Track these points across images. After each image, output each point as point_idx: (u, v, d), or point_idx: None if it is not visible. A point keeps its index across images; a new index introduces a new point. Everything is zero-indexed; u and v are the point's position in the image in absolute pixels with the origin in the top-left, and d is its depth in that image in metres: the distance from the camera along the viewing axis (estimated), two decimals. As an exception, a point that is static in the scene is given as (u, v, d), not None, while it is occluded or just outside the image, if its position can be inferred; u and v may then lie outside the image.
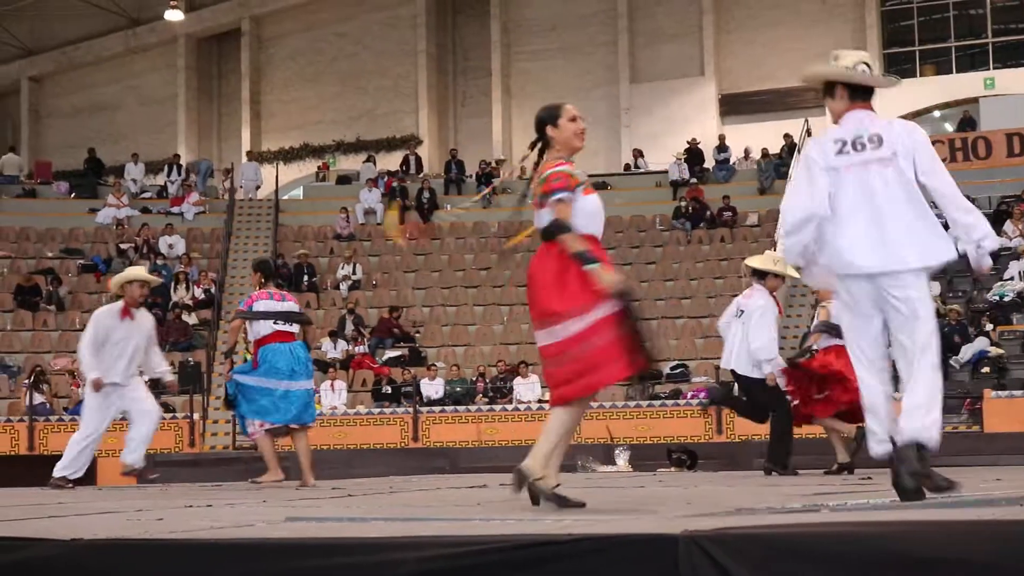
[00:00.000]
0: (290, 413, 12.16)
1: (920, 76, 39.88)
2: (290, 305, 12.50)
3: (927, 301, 6.50)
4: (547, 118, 7.37)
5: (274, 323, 12.28)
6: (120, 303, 13.00)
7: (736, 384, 13.87)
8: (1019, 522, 4.27)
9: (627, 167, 38.22)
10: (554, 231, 6.91)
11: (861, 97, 6.79)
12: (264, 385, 12.15)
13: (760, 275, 13.08)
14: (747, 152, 36.33)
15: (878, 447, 6.52)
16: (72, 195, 37.04)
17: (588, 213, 6.97)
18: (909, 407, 6.34)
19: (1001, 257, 28.80)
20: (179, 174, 37.10)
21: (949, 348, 25.49)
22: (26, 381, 26.76)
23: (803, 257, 6.77)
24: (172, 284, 31.34)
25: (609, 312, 6.52)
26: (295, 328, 12.43)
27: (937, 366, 6.48)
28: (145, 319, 13.26)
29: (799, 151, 33.92)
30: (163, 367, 13.66)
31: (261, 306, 12.34)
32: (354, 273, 32.31)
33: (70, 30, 46.29)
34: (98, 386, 12.71)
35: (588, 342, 6.47)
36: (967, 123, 36.46)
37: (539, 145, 7.41)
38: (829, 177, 6.60)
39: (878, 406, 6.58)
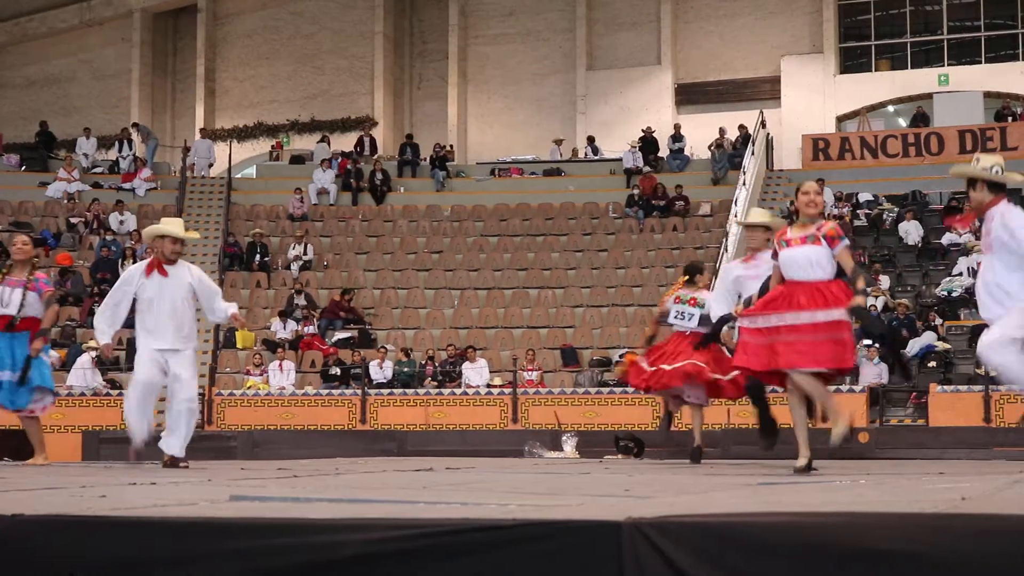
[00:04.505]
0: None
1: (875, 71, 40.12)
2: None
3: None
4: (797, 192, 10.09)
5: None
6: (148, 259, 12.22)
7: None
8: (950, 515, 4.31)
9: (584, 153, 38.27)
10: None
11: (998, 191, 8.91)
12: None
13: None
14: (721, 133, 35.71)
15: None
16: (23, 168, 36.74)
17: (784, 265, 9.67)
18: None
19: (950, 253, 29.07)
20: (131, 149, 36.87)
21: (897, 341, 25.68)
22: None
23: None
24: (121, 260, 31.15)
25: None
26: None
27: None
28: (183, 275, 12.00)
29: (753, 142, 34.09)
30: (222, 310, 12.23)
31: None
32: (305, 253, 32.21)
33: (24, 1, 45.86)
34: (106, 354, 12.39)
35: None
36: (920, 119, 36.72)
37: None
38: None
39: None
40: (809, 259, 9.52)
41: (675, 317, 13.44)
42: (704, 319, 12.98)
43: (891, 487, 7.21)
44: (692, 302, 13.28)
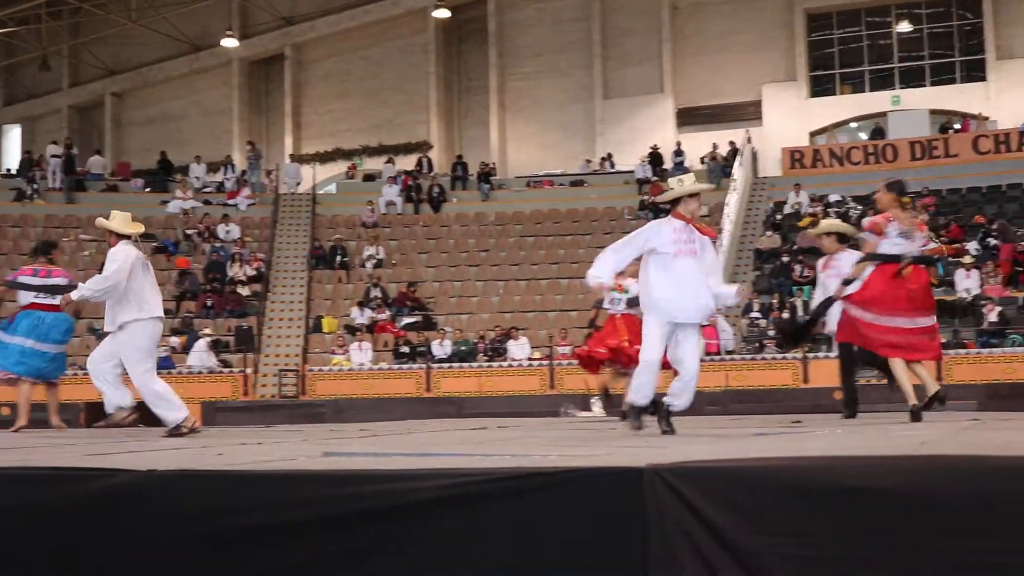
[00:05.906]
0: (35, 369, 11.66)
1: (839, 94, 39.83)
2: (55, 280, 11.79)
3: None
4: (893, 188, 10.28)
5: (34, 296, 11.71)
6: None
7: None
8: (912, 457, 4.29)
9: (600, 165, 38.20)
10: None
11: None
12: (16, 342, 11.58)
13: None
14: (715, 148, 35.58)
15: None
16: (147, 190, 36.95)
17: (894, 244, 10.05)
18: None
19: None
20: (234, 173, 37.06)
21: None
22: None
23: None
24: (228, 262, 31.31)
25: None
26: (56, 299, 11.38)
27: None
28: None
29: (741, 154, 33.93)
30: None
31: (23, 279, 11.84)
32: (377, 254, 32.28)
33: (145, 54, 46.05)
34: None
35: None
36: (877, 133, 36.52)
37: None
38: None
39: None
40: None
41: (608, 302, 13.30)
42: (631, 302, 12.78)
43: (863, 435, 7.17)
44: (619, 288, 13.05)
